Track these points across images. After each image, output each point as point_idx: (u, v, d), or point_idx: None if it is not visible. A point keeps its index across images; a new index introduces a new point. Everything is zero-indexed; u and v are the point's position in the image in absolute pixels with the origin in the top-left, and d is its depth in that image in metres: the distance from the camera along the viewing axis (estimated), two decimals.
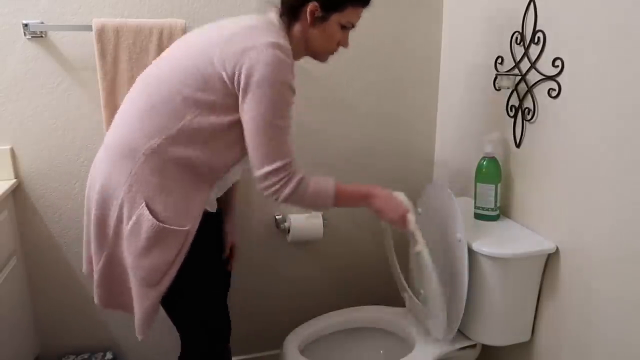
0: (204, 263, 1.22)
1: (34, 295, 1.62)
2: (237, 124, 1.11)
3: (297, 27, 1.17)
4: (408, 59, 1.78)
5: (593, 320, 1.20)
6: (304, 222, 1.73)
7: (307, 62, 1.67)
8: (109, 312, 1.70)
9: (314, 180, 1.16)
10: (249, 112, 1.07)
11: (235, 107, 1.10)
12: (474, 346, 1.45)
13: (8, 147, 1.50)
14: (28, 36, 1.44)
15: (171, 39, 1.45)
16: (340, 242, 1.89)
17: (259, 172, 1.11)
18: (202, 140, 1.10)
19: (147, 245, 1.10)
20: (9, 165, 1.50)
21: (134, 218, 1.10)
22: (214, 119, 1.09)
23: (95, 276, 1.19)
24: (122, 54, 1.43)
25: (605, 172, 1.13)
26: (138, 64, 1.45)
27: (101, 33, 1.40)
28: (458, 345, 1.43)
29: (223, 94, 1.08)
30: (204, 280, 1.23)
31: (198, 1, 1.55)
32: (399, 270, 1.56)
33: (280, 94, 1.07)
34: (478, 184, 1.44)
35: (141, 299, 1.14)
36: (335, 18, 1.16)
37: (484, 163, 1.43)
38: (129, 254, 1.12)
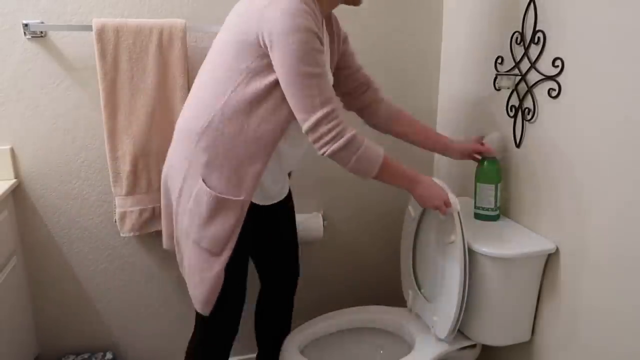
0: (242, 250, 1.25)
1: (34, 295, 1.63)
2: (276, 85, 1.12)
3: None
4: (408, 59, 1.78)
5: (593, 320, 1.20)
6: (304, 222, 1.73)
7: None
8: (110, 312, 1.71)
9: (367, 141, 1.16)
10: (278, 67, 1.08)
11: (270, 68, 1.11)
12: (474, 346, 1.45)
13: (8, 147, 1.50)
14: (28, 36, 1.44)
15: (171, 39, 1.45)
16: (340, 242, 1.89)
17: (305, 126, 1.11)
18: (246, 110, 1.13)
19: (208, 215, 1.16)
20: (9, 165, 1.50)
21: (194, 193, 1.17)
22: (253, 85, 1.11)
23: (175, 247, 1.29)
24: (122, 54, 1.43)
25: (605, 172, 1.13)
26: (138, 64, 1.45)
27: (101, 33, 1.40)
28: (458, 345, 1.43)
29: (256, 57, 1.10)
30: (236, 266, 1.26)
31: (198, 1, 1.55)
32: (411, 264, 1.56)
33: (303, 41, 1.05)
34: (478, 184, 1.44)
35: (206, 270, 1.19)
36: None
37: (485, 163, 1.43)
38: (192, 226, 1.19)
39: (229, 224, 1.18)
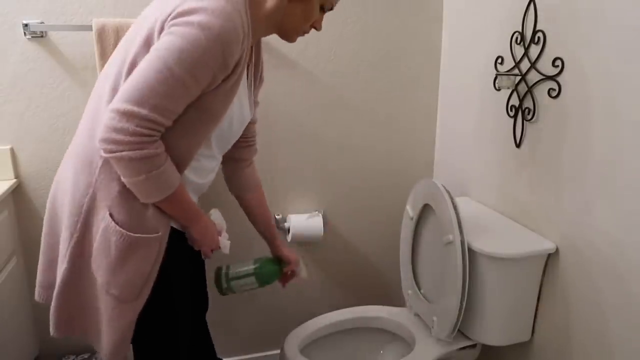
0: (174, 285, 1.10)
1: (34, 295, 1.62)
2: (187, 108, 0.96)
3: (270, 1, 1.04)
4: (408, 59, 1.78)
5: (593, 320, 1.20)
6: (304, 222, 1.73)
7: (307, 62, 1.68)
8: None
9: (168, 163, 0.96)
10: (154, 48, 0.90)
11: None
12: (474, 346, 1.45)
13: (8, 147, 1.50)
14: (28, 36, 1.44)
15: None
16: (340, 242, 1.89)
17: (111, 110, 0.89)
18: None
19: (119, 258, 0.98)
20: (9, 165, 1.50)
21: (100, 231, 0.99)
22: None
23: (54, 299, 1.07)
24: None
25: (605, 172, 1.13)
26: None
27: (101, 33, 1.40)
28: (458, 345, 1.43)
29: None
30: (172, 302, 1.10)
31: None
32: (411, 264, 1.56)
33: (205, 47, 0.89)
34: (253, 263, 1.36)
35: (116, 319, 1.02)
36: None
37: (272, 265, 1.38)
38: (99, 270, 1.01)
39: (144, 266, 1.00)
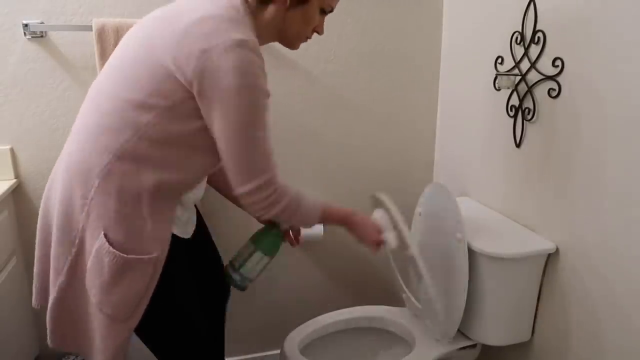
0: (177, 295, 1.10)
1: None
2: (199, 132, 0.97)
3: (270, 10, 1.02)
4: (408, 59, 1.78)
5: (593, 320, 1.20)
6: None
7: (307, 62, 1.68)
8: None
9: (303, 199, 1.09)
10: (218, 125, 0.94)
11: (196, 113, 0.96)
12: (474, 346, 1.45)
13: (8, 147, 1.50)
14: (28, 36, 1.44)
15: None
16: (340, 242, 1.89)
17: (240, 190, 1.00)
18: (159, 154, 0.96)
19: (112, 279, 0.97)
20: (9, 165, 1.50)
21: (93, 252, 0.97)
22: (171, 128, 0.95)
23: (49, 310, 1.06)
24: None
25: (605, 172, 1.13)
26: None
27: (101, 33, 1.40)
28: (458, 345, 1.43)
29: (183, 98, 0.94)
30: (178, 311, 1.11)
31: None
32: (397, 272, 1.56)
33: (251, 101, 0.93)
34: (250, 242, 1.28)
35: (109, 337, 1.01)
36: (317, 1, 1.04)
37: (271, 228, 1.28)
38: (92, 288, 1.00)
39: (138, 287, 0.98)
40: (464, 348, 1.44)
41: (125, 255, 0.96)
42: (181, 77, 0.92)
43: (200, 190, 1.21)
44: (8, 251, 1.45)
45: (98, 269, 0.98)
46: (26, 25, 1.42)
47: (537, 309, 1.38)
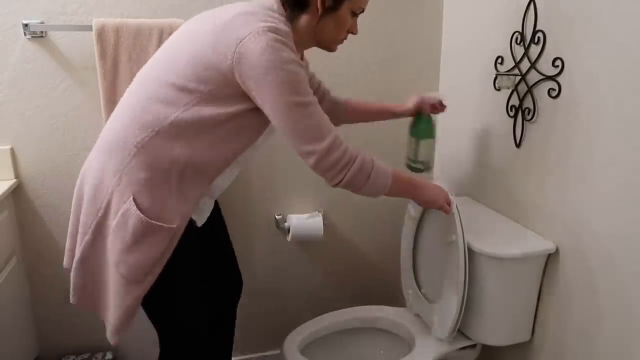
0: (183, 273, 1.17)
1: (34, 295, 1.63)
2: (236, 117, 1.06)
3: (304, 19, 1.12)
4: (408, 59, 1.78)
5: (593, 320, 1.20)
6: (304, 222, 1.73)
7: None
8: None
9: (375, 159, 1.12)
10: (268, 104, 1.03)
11: (235, 99, 1.05)
12: (474, 346, 1.45)
13: (8, 147, 1.50)
14: (28, 36, 1.44)
15: None
16: (340, 242, 1.89)
17: (313, 159, 1.06)
18: (194, 134, 1.05)
19: (133, 240, 1.05)
20: (9, 165, 1.50)
21: (120, 212, 1.05)
22: (209, 111, 1.04)
23: (74, 265, 1.14)
24: (122, 54, 1.43)
25: (605, 172, 1.13)
26: (138, 64, 1.45)
27: (101, 33, 1.40)
28: (458, 345, 1.43)
29: (221, 85, 1.03)
30: (182, 285, 1.18)
31: (198, 1, 1.55)
32: (411, 264, 1.55)
33: (289, 74, 1.01)
34: (410, 136, 1.49)
35: (122, 296, 1.08)
36: (347, 5, 1.11)
37: (421, 118, 1.46)
38: (113, 248, 1.07)
39: (154, 252, 1.06)
40: (464, 348, 1.44)
41: (149, 220, 1.04)
42: (222, 65, 1.01)
43: (226, 180, 1.23)
44: (8, 251, 1.45)
45: (121, 230, 1.05)
46: (26, 25, 1.42)
47: (537, 309, 1.38)
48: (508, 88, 1.40)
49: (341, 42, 1.20)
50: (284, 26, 1.05)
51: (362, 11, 1.16)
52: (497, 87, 1.48)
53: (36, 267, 1.61)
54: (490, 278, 1.31)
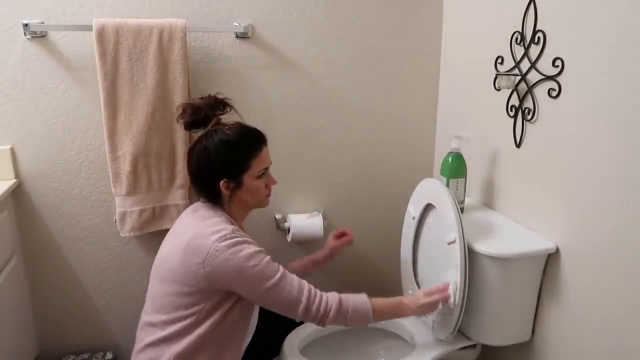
0: None
1: (34, 295, 1.62)
2: (232, 307, 1.19)
3: (227, 201, 1.24)
4: (408, 59, 1.78)
5: (593, 320, 1.20)
6: (304, 222, 1.73)
7: (307, 62, 1.68)
8: (110, 312, 1.71)
9: (351, 299, 1.23)
10: (246, 296, 1.18)
11: (225, 300, 1.18)
12: (474, 346, 1.45)
13: (8, 147, 1.50)
14: (28, 36, 1.44)
15: (171, 39, 1.45)
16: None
17: (296, 317, 1.19)
18: (218, 335, 1.18)
19: None
20: (9, 165, 1.50)
21: None
22: (206, 307, 1.16)
23: None
24: (122, 54, 1.43)
25: (605, 172, 1.13)
26: (138, 64, 1.45)
27: (101, 33, 1.40)
28: (458, 345, 1.43)
29: (206, 292, 1.15)
30: None
31: (198, 1, 1.55)
32: (411, 264, 1.55)
33: (252, 266, 1.13)
34: (447, 178, 1.49)
35: None
36: (248, 176, 1.22)
37: (449, 159, 1.48)
38: None
39: None
40: (464, 348, 1.44)
41: None
42: (196, 282, 1.14)
43: (249, 335, 1.33)
44: (8, 251, 1.45)
45: None
46: (26, 25, 1.42)
47: (537, 309, 1.38)
48: (508, 88, 1.41)
49: (267, 197, 1.31)
50: (227, 225, 1.17)
51: (267, 167, 1.26)
52: (497, 87, 1.48)
53: (36, 267, 1.61)
54: (491, 278, 1.31)
